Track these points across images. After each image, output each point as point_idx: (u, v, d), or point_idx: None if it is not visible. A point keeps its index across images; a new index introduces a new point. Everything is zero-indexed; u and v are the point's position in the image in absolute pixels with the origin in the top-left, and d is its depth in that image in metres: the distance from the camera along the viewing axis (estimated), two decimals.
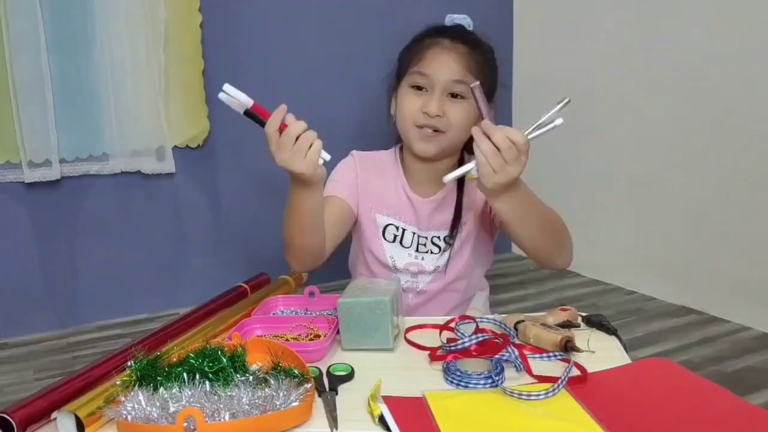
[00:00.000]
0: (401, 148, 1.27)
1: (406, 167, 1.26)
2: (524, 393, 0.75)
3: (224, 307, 1.09)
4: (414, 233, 1.25)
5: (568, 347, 0.86)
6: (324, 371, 0.83)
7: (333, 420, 0.72)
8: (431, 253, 1.24)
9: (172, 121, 2.06)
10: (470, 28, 1.23)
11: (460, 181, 1.24)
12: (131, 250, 2.14)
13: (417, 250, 1.25)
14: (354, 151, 1.29)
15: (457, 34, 1.18)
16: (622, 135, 2.27)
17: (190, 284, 2.20)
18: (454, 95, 1.15)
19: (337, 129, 2.29)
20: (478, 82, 0.97)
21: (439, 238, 1.25)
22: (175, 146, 2.10)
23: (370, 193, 1.25)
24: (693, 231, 2.07)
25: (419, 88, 1.15)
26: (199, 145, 2.15)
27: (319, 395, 0.77)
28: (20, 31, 1.82)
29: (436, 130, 1.15)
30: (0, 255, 1.98)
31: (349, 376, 0.83)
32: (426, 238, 1.25)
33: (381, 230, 1.25)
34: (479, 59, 1.17)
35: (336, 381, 0.81)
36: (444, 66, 1.14)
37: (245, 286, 1.19)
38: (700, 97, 2.03)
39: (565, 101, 0.91)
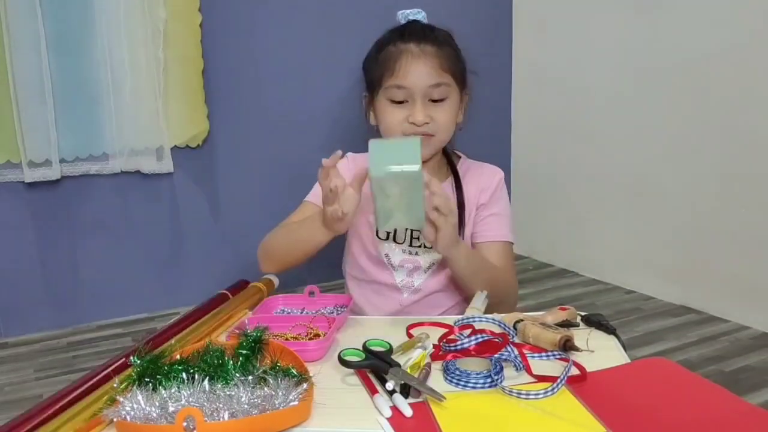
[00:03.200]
0: None
1: None
2: (523, 392, 0.75)
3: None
4: (407, 229, 1.24)
5: (567, 346, 0.86)
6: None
7: (431, 390, 0.74)
8: (425, 247, 1.23)
9: (172, 121, 2.06)
10: (425, 20, 1.22)
11: (457, 180, 1.24)
12: (131, 250, 2.15)
13: (410, 245, 1.24)
14: (349, 153, 1.29)
15: (419, 34, 1.17)
16: (621, 134, 2.27)
17: (190, 283, 2.20)
18: (434, 99, 1.16)
19: (337, 127, 2.30)
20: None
21: None
22: (175, 146, 2.10)
23: (364, 193, 1.25)
24: (691, 230, 2.07)
25: (399, 101, 1.16)
26: (198, 145, 2.16)
27: (386, 373, 0.78)
28: (20, 31, 1.82)
29: (425, 134, 1.15)
30: (0, 254, 1.98)
31: (389, 352, 0.86)
32: (419, 230, 1.25)
33: (374, 228, 1.24)
34: (449, 54, 1.17)
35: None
36: (419, 74, 1.14)
37: (228, 293, 1.19)
38: (699, 97, 2.03)
39: (485, 294, 1.07)
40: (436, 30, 1.20)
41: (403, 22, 1.22)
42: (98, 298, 2.11)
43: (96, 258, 2.10)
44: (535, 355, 0.87)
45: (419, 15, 1.22)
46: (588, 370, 0.81)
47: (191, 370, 0.74)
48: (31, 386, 1.69)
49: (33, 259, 2.02)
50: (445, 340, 0.89)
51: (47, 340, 1.99)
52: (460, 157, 1.32)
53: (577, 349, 0.86)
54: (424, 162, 1.19)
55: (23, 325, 2.02)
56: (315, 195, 1.23)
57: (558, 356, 0.86)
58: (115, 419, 0.69)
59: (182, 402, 0.69)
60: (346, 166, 1.26)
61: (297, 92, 2.28)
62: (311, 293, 1.09)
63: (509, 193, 1.35)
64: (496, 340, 0.87)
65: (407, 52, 1.15)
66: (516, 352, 0.85)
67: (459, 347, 0.86)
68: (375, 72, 1.18)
